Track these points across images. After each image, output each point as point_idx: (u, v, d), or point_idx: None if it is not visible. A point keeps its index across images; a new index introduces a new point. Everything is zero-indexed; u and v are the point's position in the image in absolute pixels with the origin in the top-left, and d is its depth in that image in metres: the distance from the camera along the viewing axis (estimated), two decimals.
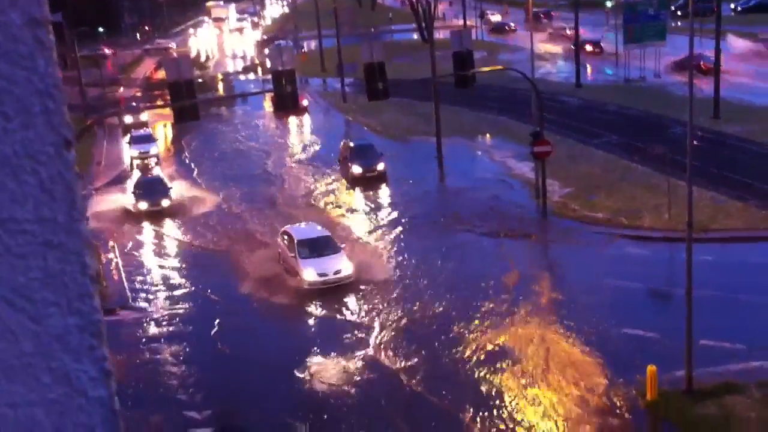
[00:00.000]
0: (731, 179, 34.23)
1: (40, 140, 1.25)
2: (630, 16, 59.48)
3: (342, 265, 27.40)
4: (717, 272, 25.24)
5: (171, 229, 35.59)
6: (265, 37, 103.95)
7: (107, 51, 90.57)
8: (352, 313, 25.81)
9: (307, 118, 58.21)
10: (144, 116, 54.55)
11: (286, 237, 29.28)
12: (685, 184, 19.10)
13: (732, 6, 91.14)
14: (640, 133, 43.14)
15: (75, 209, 1.28)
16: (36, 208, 1.26)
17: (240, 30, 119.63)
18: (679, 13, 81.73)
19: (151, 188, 37.49)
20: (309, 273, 27.12)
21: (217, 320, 25.61)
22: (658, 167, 34.36)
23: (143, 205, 36.45)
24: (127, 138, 49.20)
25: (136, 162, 45.91)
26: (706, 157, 35.74)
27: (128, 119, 53.73)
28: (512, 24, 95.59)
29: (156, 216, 36.15)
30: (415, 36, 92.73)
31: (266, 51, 68.06)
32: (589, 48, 71.25)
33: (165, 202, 36.75)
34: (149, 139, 48.14)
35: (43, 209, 1.26)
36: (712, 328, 21.09)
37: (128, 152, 47.48)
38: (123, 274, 30.03)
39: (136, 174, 42.82)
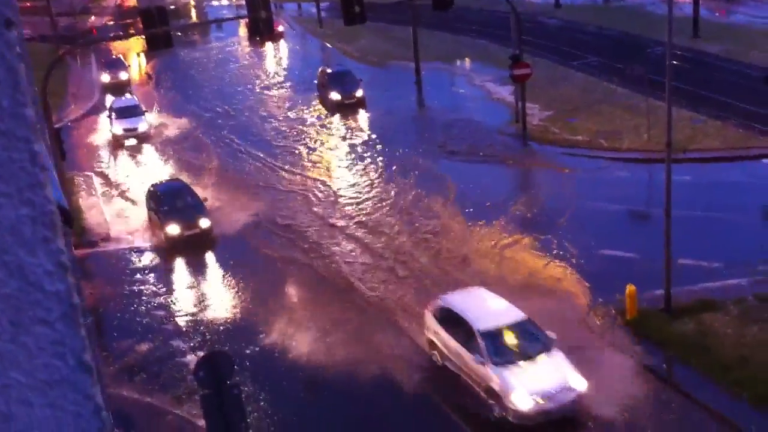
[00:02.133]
0: (710, 99, 34.22)
1: None
2: None
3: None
4: (695, 192, 25.45)
5: (149, 157, 35.30)
6: None
7: None
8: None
9: (283, 44, 57.28)
10: (124, 75, 47.76)
11: None
12: (665, 105, 19.04)
13: None
14: (620, 54, 42.83)
15: (19, 92, 1.19)
16: None
17: None
18: None
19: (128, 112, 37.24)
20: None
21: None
22: (637, 88, 34.23)
23: (119, 130, 36.34)
24: (108, 109, 39.60)
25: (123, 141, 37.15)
26: (685, 77, 35.63)
27: (105, 78, 47.59)
28: None
29: (134, 148, 35.93)
30: None
31: None
32: None
33: (142, 126, 36.82)
34: (136, 110, 37.99)
35: None
36: (690, 247, 21.36)
37: (111, 128, 37.63)
38: (102, 206, 29.84)
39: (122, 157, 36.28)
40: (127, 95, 42.44)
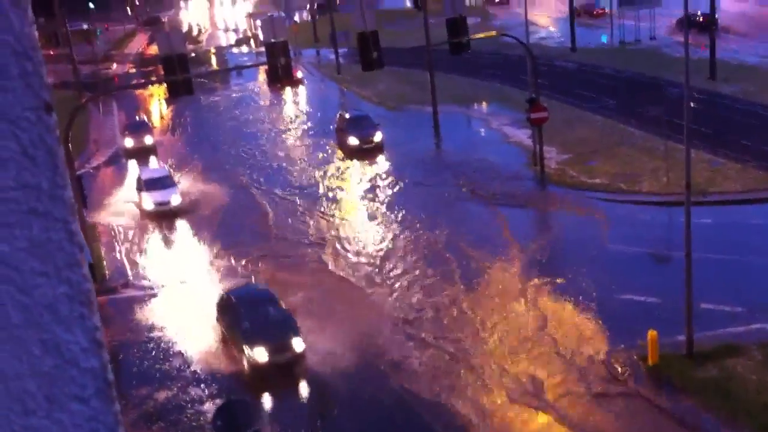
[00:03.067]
0: (729, 141, 34.14)
1: (19, 104, 1.20)
2: None
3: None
4: (716, 235, 25.27)
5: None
6: (256, 10, 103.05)
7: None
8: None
9: (302, 90, 57.93)
10: (148, 139, 43.14)
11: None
12: (683, 147, 19.01)
13: None
14: (637, 96, 42.87)
15: (58, 175, 1.24)
16: (18, 174, 1.22)
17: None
18: None
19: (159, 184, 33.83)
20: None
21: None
22: (655, 130, 34.25)
23: (149, 204, 33.34)
24: (136, 178, 36.02)
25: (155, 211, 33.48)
26: (703, 119, 35.65)
27: (129, 142, 42.95)
28: None
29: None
30: (408, 3, 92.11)
31: (258, 23, 67.56)
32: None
33: (175, 199, 33.61)
34: (167, 182, 34.28)
35: (25, 175, 1.22)
36: (712, 290, 21.16)
37: (141, 201, 34.03)
38: (123, 253, 30.03)
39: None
40: (155, 164, 40.14)
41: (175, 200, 33.61)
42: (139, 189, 34.26)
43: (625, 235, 26.93)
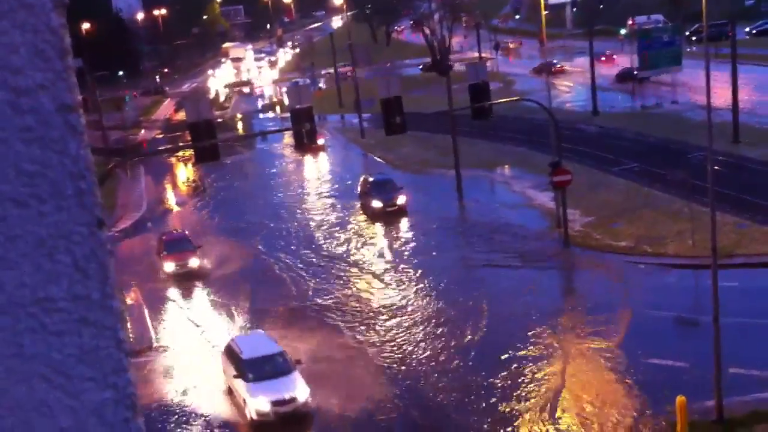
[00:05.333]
0: (754, 204, 33.95)
1: (73, 221, 1.29)
2: (645, 42, 59.65)
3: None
4: (744, 298, 24.97)
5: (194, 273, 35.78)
6: (283, 76, 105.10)
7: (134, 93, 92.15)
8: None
9: (326, 154, 58.58)
10: (194, 261, 34.61)
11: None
12: (708, 210, 18.95)
13: (747, 29, 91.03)
14: (660, 159, 42.96)
15: (108, 286, 1.32)
16: (70, 287, 1.30)
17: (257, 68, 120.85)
18: (693, 38, 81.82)
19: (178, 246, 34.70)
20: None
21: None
22: (679, 193, 34.13)
23: (170, 267, 33.92)
24: (158, 240, 36.29)
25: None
26: (727, 182, 35.51)
27: (169, 266, 34.38)
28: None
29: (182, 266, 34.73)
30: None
31: (284, 89, 68.77)
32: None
33: (193, 262, 34.28)
34: (186, 245, 35.12)
35: (77, 287, 1.30)
36: (741, 355, 20.79)
37: (164, 263, 34.29)
38: (147, 316, 30.15)
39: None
40: (177, 230, 39.08)
41: (193, 263, 34.21)
42: (160, 252, 35.01)
43: (651, 298, 26.67)
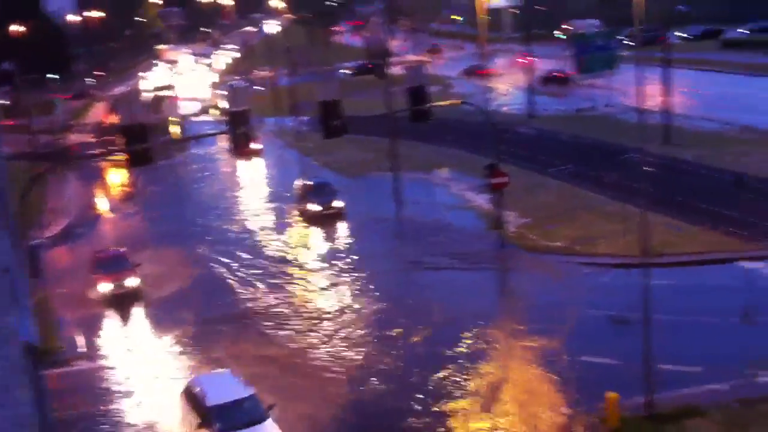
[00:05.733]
0: (685, 203, 34.73)
1: None
2: (581, 46, 60.61)
3: None
4: (674, 296, 25.49)
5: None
6: (219, 79, 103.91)
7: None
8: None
9: (263, 157, 58.06)
10: (132, 280, 32.03)
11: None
12: (641, 210, 19.29)
13: (679, 34, 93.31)
14: (594, 161, 43.72)
15: None
16: None
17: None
18: (628, 42, 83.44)
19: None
20: None
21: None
22: (612, 194, 34.84)
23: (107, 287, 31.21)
24: (91, 260, 33.18)
25: None
26: (659, 183, 36.22)
27: (105, 287, 31.63)
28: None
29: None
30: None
31: (220, 92, 68.02)
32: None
33: (132, 281, 31.71)
34: (123, 263, 32.35)
35: None
36: (671, 351, 21.17)
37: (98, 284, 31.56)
38: (77, 326, 29.40)
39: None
40: (113, 249, 34.78)
41: (132, 283, 31.61)
42: (95, 272, 32.15)
43: (586, 297, 27.06)
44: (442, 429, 20.03)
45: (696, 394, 19.78)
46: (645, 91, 48.29)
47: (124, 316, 30.61)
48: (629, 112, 55.57)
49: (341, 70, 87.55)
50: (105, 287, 31.36)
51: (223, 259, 35.34)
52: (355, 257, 34.05)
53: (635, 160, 38.07)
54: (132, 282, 31.71)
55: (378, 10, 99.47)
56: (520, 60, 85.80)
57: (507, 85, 77.42)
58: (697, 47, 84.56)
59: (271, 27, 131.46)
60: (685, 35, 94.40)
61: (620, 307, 25.83)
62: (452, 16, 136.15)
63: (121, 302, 31.14)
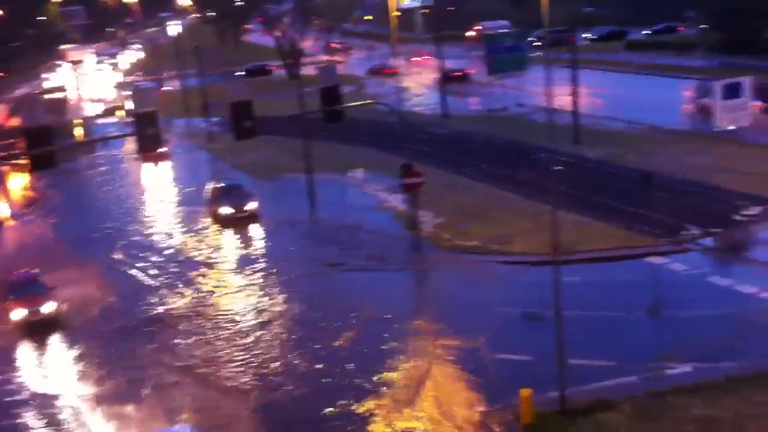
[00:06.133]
0: (595, 201, 35.48)
1: None
2: (491, 47, 61.50)
3: None
4: (585, 292, 25.94)
5: None
6: (125, 79, 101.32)
7: None
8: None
9: (172, 161, 56.80)
10: (48, 305, 29.11)
11: None
12: (552, 209, 19.54)
13: (586, 35, 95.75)
14: (507, 160, 44.32)
15: None
16: None
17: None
18: (537, 44, 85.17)
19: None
20: None
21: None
22: (525, 193, 35.35)
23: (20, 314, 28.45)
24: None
25: None
26: (570, 181, 36.92)
27: (19, 313, 28.81)
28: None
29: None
30: (283, 72, 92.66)
31: (127, 93, 66.24)
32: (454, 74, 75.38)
33: (48, 306, 28.89)
34: (38, 287, 29.57)
35: None
36: (583, 347, 21.51)
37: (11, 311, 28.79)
38: None
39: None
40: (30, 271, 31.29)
41: (48, 308, 28.77)
42: (6, 298, 29.34)
43: (500, 295, 27.30)
44: (362, 430, 19.83)
45: (608, 388, 20.13)
46: (554, 91, 50.00)
47: (41, 346, 28.05)
48: (540, 112, 56.77)
49: (236, 72, 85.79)
50: (18, 314, 28.64)
51: (136, 265, 34.40)
52: (270, 260, 33.57)
53: (546, 160, 38.95)
54: (48, 307, 28.90)
55: (289, 10, 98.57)
56: (416, 59, 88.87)
57: (418, 84, 77.94)
58: (602, 48, 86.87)
59: (174, 28, 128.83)
60: (591, 36, 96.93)
61: (534, 304, 26.14)
62: (365, 17, 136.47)
63: (38, 330, 28.52)
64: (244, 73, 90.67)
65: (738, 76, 42.12)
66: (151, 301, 30.29)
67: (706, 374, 20.38)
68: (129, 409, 22.47)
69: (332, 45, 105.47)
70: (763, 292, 25.20)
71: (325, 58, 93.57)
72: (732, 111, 38.02)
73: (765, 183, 36.02)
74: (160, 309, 29.47)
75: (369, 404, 20.95)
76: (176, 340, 26.60)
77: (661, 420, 18.51)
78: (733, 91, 37.97)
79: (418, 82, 78.93)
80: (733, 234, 31.07)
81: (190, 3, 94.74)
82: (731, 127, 38.39)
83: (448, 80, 70.18)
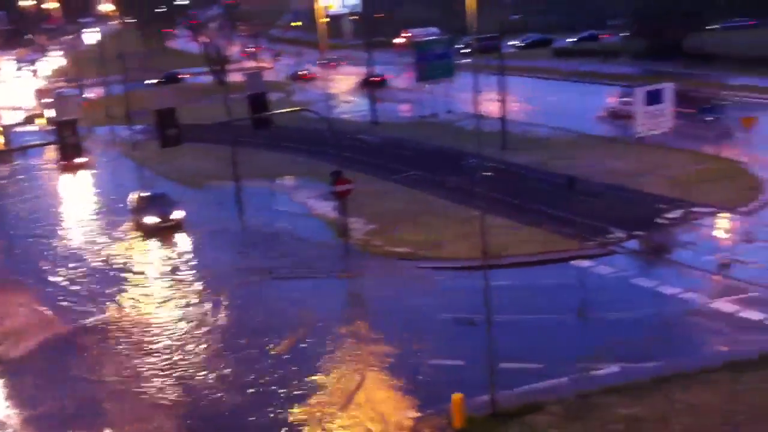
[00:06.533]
0: (522, 206, 35.93)
1: None
2: (420, 54, 61.93)
3: None
4: (514, 296, 26.22)
5: None
6: (46, 86, 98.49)
7: None
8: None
9: (95, 169, 55.40)
10: None
11: None
12: (480, 214, 19.65)
13: (513, 43, 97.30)
14: (438, 166, 44.55)
15: None
16: None
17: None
18: (465, 50, 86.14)
19: None
20: None
21: None
22: (455, 198, 35.57)
23: None
24: None
25: None
26: (498, 187, 37.38)
27: None
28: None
29: None
30: (210, 78, 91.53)
31: (47, 100, 64.37)
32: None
33: None
34: None
35: None
36: (513, 350, 21.73)
37: None
38: None
39: None
40: None
41: None
42: None
43: (432, 301, 27.34)
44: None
45: (537, 390, 20.31)
46: (482, 98, 50.52)
47: None
48: (468, 118, 57.37)
49: (146, 81, 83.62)
50: None
51: (58, 278, 33.32)
52: (198, 270, 32.93)
53: (475, 165, 39.30)
54: None
55: (216, 15, 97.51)
56: (333, 64, 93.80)
57: (340, 90, 77.95)
58: (529, 56, 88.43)
59: (90, 36, 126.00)
60: (518, 44, 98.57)
61: (466, 309, 26.30)
62: (293, 23, 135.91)
63: None
64: (155, 81, 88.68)
65: (660, 82, 43.25)
66: (75, 314, 29.38)
67: (632, 374, 20.74)
68: (54, 428, 21.69)
69: (249, 51, 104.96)
70: (685, 293, 25.84)
71: (252, 64, 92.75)
72: (653, 117, 38.98)
73: (685, 186, 37.11)
74: (84, 322, 28.59)
75: (301, 411, 20.69)
76: (102, 354, 25.82)
77: (589, 420, 18.74)
78: (654, 97, 38.93)
79: (339, 88, 78.98)
80: (655, 237, 31.83)
81: (113, 9, 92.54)
82: (653, 132, 39.35)
83: (367, 85, 71.09)
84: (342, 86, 79.18)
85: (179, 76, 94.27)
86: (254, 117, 35.80)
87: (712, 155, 41.86)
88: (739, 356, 21.11)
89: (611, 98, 54.51)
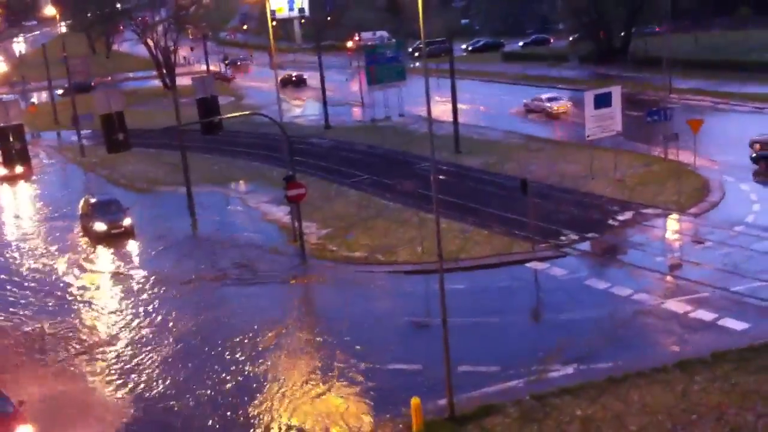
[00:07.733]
0: (476, 209, 36.05)
1: None
2: (371, 58, 61.90)
3: None
4: (470, 299, 26.25)
5: None
6: None
7: None
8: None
9: (40, 175, 54.14)
10: None
11: None
12: (434, 217, 19.60)
13: (463, 46, 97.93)
14: (390, 170, 44.50)
15: None
16: None
17: None
18: (416, 54, 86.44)
19: None
20: None
21: None
22: (408, 202, 35.51)
23: None
24: None
25: None
26: (452, 190, 37.48)
27: None
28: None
29: None
30: (157, 82, 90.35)
31: None
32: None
33: None
34: None
35: None
36: (470, 353, 21.74)
37: None
38: None
39: None
40: None
41: None
42: None
43: (387, 305, 27.24)
44: None
45: (494, 393, 20.32)
46: (433, 101, 50.71)
47: None
48: (420, 122, 57.50)
49: (57, 91, 79.75)
50: None
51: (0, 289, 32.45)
52: (148, 277, 32.32)
53: (428, 169, 39.34)
54: None
55: (163, 18, 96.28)
56: (238, 63, 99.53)
57: (263, 88, 77.68)
58: (479, 59, 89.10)
59: (19, 46, 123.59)
60: (468, 48, 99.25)
61: (421, 312, 26.31)
62: (243, 26, 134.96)
63: None
64: (61, 91, 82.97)
65: (608, 85, 43.83)
66: (21, 326, 28.57)
67: (587, 375, 20.88)
68: None
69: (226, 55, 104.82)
70: (637, 294, 26.14)
71: (201, 67, 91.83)
72: (602, 120, 39.45)
73: (634, 188, 37.65)
74: (29, 332, 27.82)
75: (254, 417, 20.38)
76: (47, 366, 25.12)
77: (545, 421, 18.81)
78: (602, 101, 39.41)
79: (260, 87, 78.88)
80: (607, 238, 32.19)
81: (56, 12, 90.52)
82: (602, 135, 39.86)
83: (286, 84, 71.83)
84: (263, 86, 78.80)
85: (92, 84, 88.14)
86: (204, 121, 35.29)
87: (660, 157, 42.59)
88: (692, 356, 21.40)
89: (525, 99, 60.88)
